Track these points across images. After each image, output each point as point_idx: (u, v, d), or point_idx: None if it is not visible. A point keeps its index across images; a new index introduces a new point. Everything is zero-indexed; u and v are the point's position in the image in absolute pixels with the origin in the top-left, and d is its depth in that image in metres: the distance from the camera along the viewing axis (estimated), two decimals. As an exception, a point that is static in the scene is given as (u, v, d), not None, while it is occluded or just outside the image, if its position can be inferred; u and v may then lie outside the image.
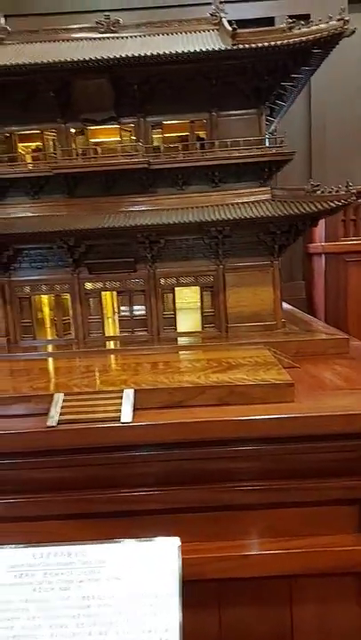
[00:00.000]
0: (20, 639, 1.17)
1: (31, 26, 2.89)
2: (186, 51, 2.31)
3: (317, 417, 1.58)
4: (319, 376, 2.02)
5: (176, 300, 2.63)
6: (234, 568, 1.64)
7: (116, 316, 2.72)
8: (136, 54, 2.30)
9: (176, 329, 2.63)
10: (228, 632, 1.70)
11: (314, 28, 2.33)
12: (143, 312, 2.62)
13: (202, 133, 2.65)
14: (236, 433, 1.59)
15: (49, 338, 2.71)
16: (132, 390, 1.71)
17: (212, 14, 2.77)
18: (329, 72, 3.49)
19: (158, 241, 2.51)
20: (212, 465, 1.63)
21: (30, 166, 2.66)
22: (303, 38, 2.29)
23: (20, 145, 2.71)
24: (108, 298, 2.76)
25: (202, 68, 2.46)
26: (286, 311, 3.09)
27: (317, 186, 2.41)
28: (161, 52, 2.29)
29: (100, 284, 2.62)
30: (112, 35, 2.74)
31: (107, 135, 2.69)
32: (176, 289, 2.62)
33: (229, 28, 2.41)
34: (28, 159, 2.79)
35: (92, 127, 2.62)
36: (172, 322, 2.63)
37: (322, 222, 3.59)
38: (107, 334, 2.66)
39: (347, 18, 2.29)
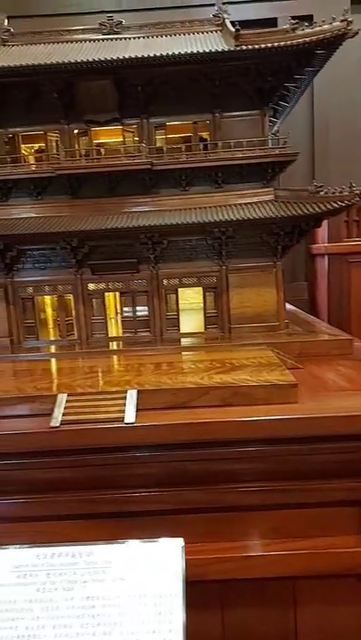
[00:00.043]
0: (24, 639, 1.17)
1: (34, 27, 2.90)
2: (189, 52, 2.31)
3: (321, 418, 1.58)
4: (323, 377, 2.02)
5: (179, 301, 2.63)
6: (237, 569, 1.64)
7: (119, 317, 2.72)
8: (139, 55, 2.31)
9: (179, 330, 2.63)
10: (231, 633, 1.69)
11: (317, 29, 2.33)
12: (146, 313, 2.62)
13: (205, 134, 2.65)
14: (240, 434, 1.59)
15: (52, 338, 2.72)
16: (135, 391, 1.71)
17: (215, 15, 2.77)
18: (332, 73, 3.48)
19: (161, 242, 2.51)
20: (216, 466, 1.63)
21: (33, 167, 2.67)
22: (307, 39, 2.29)
23: (23, 146, 2.72)
24: (111, 298, 2.76)
25: (205, 69, 2.46)
26: (289, 312, 3.09)
27: (321, 187, 2.40)
28: (164, 54, 2.30)
29: (102, 285, 2.62)
30: (115, 36, 2.75)
31: (110, 136, 2.70)
32: (179, 290, 2.62)
33: (232, 29, 2.41)
34: (31, 160, 2.80)
35: (95, 128, 2.62)
36: (175, 322, 2.63)
37: (325, 223, 3.58)
38: (110, 335, 2.66)
39: (350, 19, 2.29)
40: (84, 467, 1.61)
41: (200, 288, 2.62)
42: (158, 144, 2.66)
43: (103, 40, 2.72)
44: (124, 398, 1.69)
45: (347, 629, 1.71)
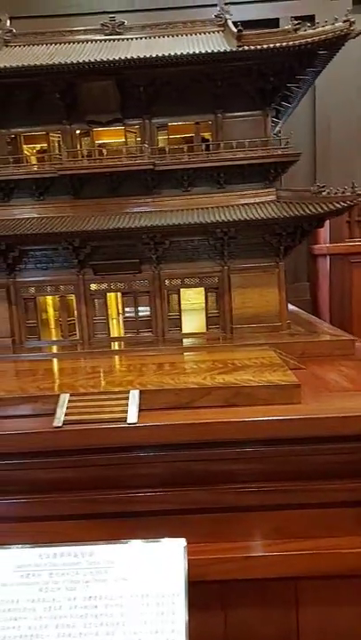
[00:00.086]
0: (27, 639, 1.18)
1: (38, 28, 2.90)
2: (191, 52, 2.32)
3: (324, 419, 1.58)
4: (325, 377, 2.02)
5: (181, 302, 2.63)
6: (239, 569, 1.64)
7: (121, 318, 2.72)
8: (142, 56, 2.31)
9: (181, 330, 2.63)
10: (232, 633, 1.69)
11: (319, 29, 2.34)
12: (148, 313, 2.62)
13: (207, 135, 2.65)
14: (242, 434, 1.59)
15: (54, 338, 2.72)
16: (137, 391, 1.71)
17: (217, 16, 2.77)
18: (334, 73, 3.48)
19: (163, 242, 2.51)
20: (218, 466, 1.63)
21: (35, 167, 2.68)
22: (309, 40, 2.29)
23: (25, 146, 2.72)
24: (113, 299, 2.76)
25: (207, 69, 2.46)
26: (291, 312, 3.09)
27: (323, 187, 2.40)
28: (167, 54, 2.30)
29: (104, 285, 2.63)
30: (117, 37, 2.75)
31: (112, 137, 2.70)
32: (181, 290, 2.62)
33: (235, 30, 2.41)
34: (34, 160, 2.81)
35: (97, 129, 2.63)
36: (177, 323, 2.63)
37: (326, 224, 3.56)
38: (112, 335, 2.66)
39: (352, 19, 2.29)
40: (87, 467, 1.61)
41: (202, 288, 2.62)
42: (160, 144, 2.66)
43: (105, 41, 2.73)
44: (127, 398, 1.69)
45: (349, 630, 1.70)
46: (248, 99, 2.58)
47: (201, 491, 1.64)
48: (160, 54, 2.31)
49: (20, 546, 1.31)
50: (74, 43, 2.73)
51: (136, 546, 1.29)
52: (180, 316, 2.63)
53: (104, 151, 2.65)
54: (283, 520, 1.67)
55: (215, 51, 2.34)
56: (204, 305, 2.64)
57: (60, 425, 1.61)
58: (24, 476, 1.63)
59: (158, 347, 2.48)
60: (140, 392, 1.71)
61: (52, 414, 1.65)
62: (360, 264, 4.05)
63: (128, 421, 1.60)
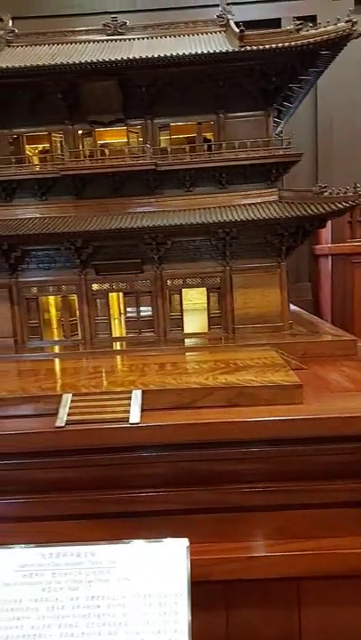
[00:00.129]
0: (30, 638, 1.18)
1: (39, 28, 2.91)
2: (194, 53, 2.32)
3: (326, 419, 1.58)
4: (327, 378, 2.02)
5: (183, 302, 2.63)
6: (241, 570, 1.64)
7: (123, 318, 2.73)
8: (144, 56, 2.31)
9: (183, 330, 2.63)
10: (235, 634, 1.69)
11: (321, 29, 2.34)
12: (150, 313, 2.62)
13: (209, 135, 2.65)
14: (245, 434, 1.59)
15: (56, 339, 2.72)
16: (140, 391, 1.72)
17: (219, 16, 2.77)
18: (336, 73, 3.47)
19: (165, 242, 2.52)
20: (221, 466, 1.63)
21: (38, 168, 2.68)
22: (311, 40, 2.29)
23: (27, 146, 2.73)
24: (115, 299, 2.77)
25: (209, 69, 2.46)
26: (293, 312, 3.08)
27: (325, 187, 2.40)
28: (169, 55, 2.30)
29: (106, 285, 2.63)
30: (119, 37, 2.75)
31: (114, 137, 2.70)
32: (183, 290, 2.62)
33: (237, 30, 2.41)
34: (36, 160, 2.81)
35: (99, 129, 2.63)
36: (179, 323, 2.63)
37: (328, 224, 3.57)
38: (113, 335, 2.67)
39: (355, 19, 2.29)
40: (89, 467, 1.62)
41: (204, 288, 2.62)
42: (162, 145, 2.66)
43: (107, 41, 2.73)
44: (129, 398, 1.69)
45: (351, 630, 1.70)
46: (250, 99, 2.59)
47: (203, 491, 1.64)
48: (162, 54, 2.31)
49: (22, 545, 1.31)
50: (76, 43, 2.74)
51: (139, 546, 1.30)
52: (181, 316, 2.64)
53: (106, 151, 2.65)
54: (285, 520, 1.67)
55: (217, 51, 2.34)
56: (205, 305, 2.64)
57: (62, 425, 1.61)
58: (27, 475, 1.63)
59: (160, 347, 2.48)
60: (143, 392, 1.71)
61: (55, 414, 1.65)
62: (362, 264, 4.05)
63: (130, 421, 1.61)
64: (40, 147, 2.82)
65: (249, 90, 2.57)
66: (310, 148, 4.44)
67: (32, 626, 1.19)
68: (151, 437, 1.60)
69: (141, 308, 2.63)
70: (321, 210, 2.33)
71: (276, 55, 2.34)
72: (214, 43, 2.52)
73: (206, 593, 1.58)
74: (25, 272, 2.63)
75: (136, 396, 1.70)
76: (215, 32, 2.72)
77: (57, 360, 2.38)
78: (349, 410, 1.62)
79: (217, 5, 2.85)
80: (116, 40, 2.73)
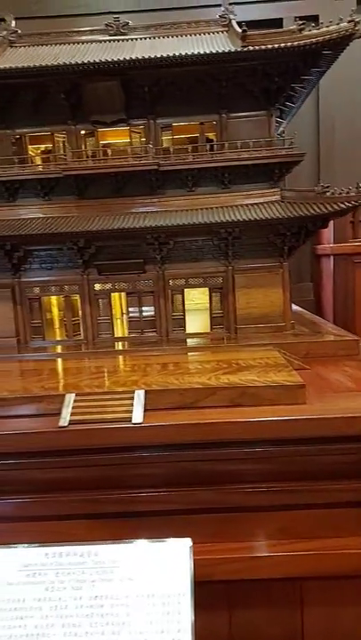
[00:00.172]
0: (33, 638, 1.18)
1: (45, 28, 2.91)
2: (196, 53, 2.32)
3: (329, 419, 1.58)
4: (330, 378, 2.02)
5: (185, 302, 2.63)
6: (244, 570, 1.64)
7: (125, 317, 2.73)
8: (146, 56, 2.31)
9: (185, 330, 2.63)
10: (238, 634, 1.69)
11: (324, 29, 2.34)
12: (152, 313, 2.62)
13: (211, 135, 2.65)
14: (248, 434, 1.59)
15: (58, 338, 2.72)
16: (142, 391, 1.72)
17: (221, 16, 2.77)
18: (338, 73, 3.47)
19: (167, 242, 2.52)
20: (223, 466, 1.63)
21: (40, 168, 2.68)
22: (314, 40, 2.29)
23: (30, 147, 2.73)
24: (117, 299, 2.77)
25: (212, 69, 2.46)
26: (295, 313, 3.08)
27: (327, 187, 2.40)
28: (171, 55, 2.30)
29: (109, 285, 2.63)
30: (122, 37, 2.76)
31: (117, 137, 2.70)
32: (185, 290, 2.62)
33: (239, 30, 2.42)
34: (39, 161, 2.81)
35: (102, 129, 2.63)
36: (182, 323, 2.64)
37: (330, 224, 3.57)
38: (116, 335, 2.67)
39: (357, 19, 2.29)
40: (92, 466, 1.62)
41: (206, 288, 2.62)
42: (165, 145, 2.67)
43: (110, 41, 2.73)
44: (132, 398, 1.69)
45: (354, 631, 1.70)
46: (252, 99, 2.59)
47: (206, 491, 1.64)
48: (165, 54, 2.31)
49: (25, 545, 1.31)
50: (78, 43, 2.74)
51: (142, 546, 1.30)
52: (184, 316, 2.64)
53: (109, 151, 2.65)
54: (288, 520, 1.67)
55: (220, 51, 2.34)
56: (208, 305, 2.64)
57: (65, 425, 1.61)
58: (30, 475, 1.63)
59: (162, 347, 2.48)
60: (146, 392, 1.71)
61: (58, 414, 1.65)
62: (364, 264, 4.04)
63: (133, 421, 1.61)
64: (43, 147, 2.82)
65: (251, 90, 2.57)
66: (312, 147, 4.44)
67: (35, 625, 1.19)
68: (154, 437, 1.60)
69: (144, 308, 2.63)
70: (324, 210, 2.33)
71: (279, 55, 2.34)
72: (217, 43, 2.52)
73: (209, 593, 1.58)
74: (28, 272, 2.64)
75: (139, 396, 1.70)
76: (218, 32, 2.73)
77: (59, 360, 2.38)
78: (352, 410, 1.62)
79: (219, 5, 2.86)
80: (118, 40, 2.73)
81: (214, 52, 2.34)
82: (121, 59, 2.33)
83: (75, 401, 1.70)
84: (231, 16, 2.73)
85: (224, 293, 2.59)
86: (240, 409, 1.68)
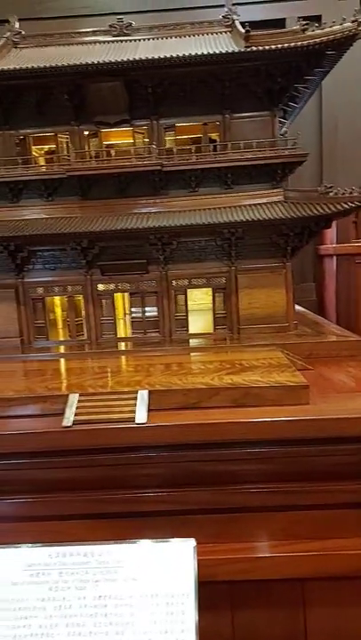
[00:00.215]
0: (37, 638, 1.18)
1: (49, 29, 2.92)
2: (200, 53, 2.32)
3: (332, 419, 1.58)
4: (333, 378, 2.02)
5: (188, 302, 2.64)
6: (246, 570, 1.64)
7: (128, 318, 2.73)
8: (150, 57, 2.31)
9: (188, 330, 2.64)
10: (240, 634, 1.69)
11: (327, 29, 2.33)
12: (155, 313, 2.63)
13: (214, 135, 2.66)
14: (251, 435, 1.59)
15: (61, 339, 2.73)
16: (146, 391, 1.72)
17: (224, 16, 2.78)
18: (341, 73, 3.45)
19: (171, 242, 2.52)
20: (226, 466, 1.63)
21: (44, 168, 2.69)
22: (317, 40, 2.29)
23: (34, 147, 2.74)
24: (120, 299, 2.77)
25: (215, 70, 2.46)
26: (298, 313, 3.08)
27: (331, 187, 2.40)
28: (175, 55, 2.30)
29: (112, 286, 2.64)
30: (125, 38, 2.76)
31: (120, 137, 2.71)
32: (188, 290, 2.62)
33: (242, 30, 2.41)
34: (42, 161, 2.82)
35: (105, 130, 2.64)
36: (184, 323, 2.64)
37: (333, 224, 3.57)
38: (119, 335, 2.67)
39: (360, 19, 2.29)
40: (96, 466, 1.62)
41: (209, 289, 2.62)
42: (168, 145, 2.67)
43: (113, 42, 2.74)
44: (135, 399, 1.69)
45: (355, 631, 1.70)
46: (256, 99, 2.59)
47: (209, 491, 1.65)
48: (168, 55, 2.31)
49: (29, 545, 1.31)
50: (82, 44, 2.75)
51: (146, 546, 1.30)
52: (187, 316, 2.64)
53: (112, 152, 2.66)
54: (291, 521, 1.67)
55: (223, 51, 2.34)
56: (211, 305, 2.64)
57: (69, 425, 1.61)
58: (34, 475, 1.64)
59: (165, 347, 2.49)
60: (149, 392, 1.72)
61: (61, 414, 1.66)
62: (367, 264, 4.03)
63: (137, 421, 1.61)
64: (46, 147, 2.83)
65: (255, 90, 2.57)
66: (315, 148, 4.42)
67: (39, 625, 1.20)
68: (157, 437, 1.60)
69: (147, 309, 2.64)
70: (327, 210, 2.33)
71: (282, 55, 2.34)
72: (220, 43, 2.52)
73: (211, 593, 1.58)
74: (31, 272, 2.65)
75: (142, 396, 1.70)
76: (221, 32, 2.73)
77: (63, 360, 2.39)
78: (356, 410, 1.62)
79: (222, 6, 2.86)
80: (122, 41, 2.74)
81: (218, 52, 2.34)
82: (124, 59, 2.33)
83: (79, 401, 1.70)
84: (234, 16, 2.73)
85: (227, 294, 2.59)
86: (243, 409, 1.68)
